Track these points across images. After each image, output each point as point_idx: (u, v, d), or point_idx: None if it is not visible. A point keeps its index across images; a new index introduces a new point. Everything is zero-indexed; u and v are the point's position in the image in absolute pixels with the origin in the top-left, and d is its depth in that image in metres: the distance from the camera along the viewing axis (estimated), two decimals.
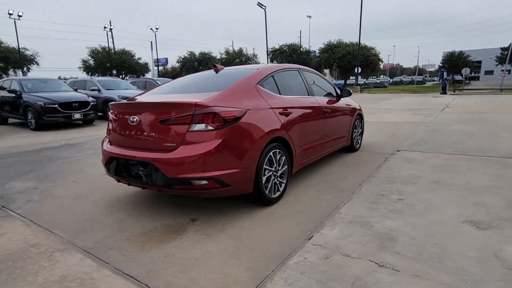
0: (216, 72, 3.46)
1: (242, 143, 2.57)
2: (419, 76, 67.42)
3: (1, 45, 36.95)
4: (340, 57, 39.50)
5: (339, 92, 4.66)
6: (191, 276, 1.91)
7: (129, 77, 49.00)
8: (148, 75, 58.49)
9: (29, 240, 2.46)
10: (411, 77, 67.33)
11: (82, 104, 9.30)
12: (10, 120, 10.70)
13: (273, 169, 2.96)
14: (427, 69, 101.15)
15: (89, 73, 47.77)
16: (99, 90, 11.29)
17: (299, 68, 3.92)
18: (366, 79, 73.20)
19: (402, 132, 7.05)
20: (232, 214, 2.82)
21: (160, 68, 60.84)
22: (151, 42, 53.09)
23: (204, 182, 2.40)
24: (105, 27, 46.65)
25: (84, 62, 47.43)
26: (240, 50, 50.49)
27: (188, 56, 50.67)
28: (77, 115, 9.17)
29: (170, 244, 2.32)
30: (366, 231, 2.41)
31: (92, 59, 47.23)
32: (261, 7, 38.50)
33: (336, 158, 4.76)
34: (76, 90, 10.87)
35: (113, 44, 50.98)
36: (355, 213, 2.75)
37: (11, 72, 40.48)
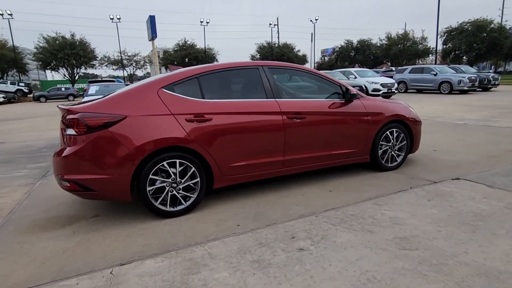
0: None
1: (110, 150, 2.53)
2: None
3: (195, 47, 47.39)
4: None
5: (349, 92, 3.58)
6: None
7: None
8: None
9: (5, 203, 3.36)
10: None
11: None
12: None
13: (170, 180, 2.75)
14: None
15: None
16: None
17: (262, 65, 3.28)
18: None
19: None
20: (127, 218, 2.84)
21: (318, 59, 61.73)
22: (312, 33, 54.51)
23: (67, 183, 2.56)
24: (270, 24, 51.48)
25: (252, 57, 54.18)
26: (406, 34, 44.20)
27: (345, 45, 48.82)
28: None
29: (41, 233, 2.64)
30: (180, 276, 1.93)
31: (259, 54, 53.31)
32: None
33: (341, 175, 3.74)
34: None
35: (278, 39, 55.64)
36: (215, 251, 2.21)
37: None
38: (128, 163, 2.57)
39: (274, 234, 2.43)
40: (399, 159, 3.96)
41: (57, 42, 37.04)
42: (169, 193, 2.77)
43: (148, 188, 2.67)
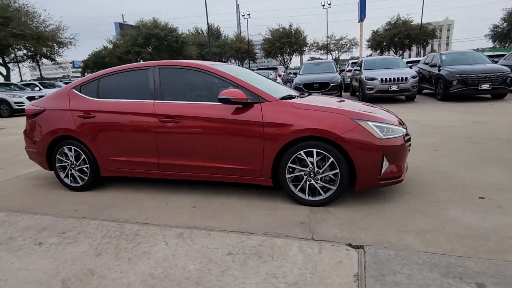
0: None
1: (35, 133, 3.58)
2: None
3: (409, 23, 41.71)
4: None
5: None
6: None
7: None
8: None
9: None
10: None
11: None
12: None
13: (69, 161, 3.49)
14: None
15: (495, 41, 41.36)
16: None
17: (153, 66, 3.18)
18: None
19: None
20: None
21: None
22: None
23: (26, 152, 3.86)
24: None
25: (494, 27, 41.25)
26: None
27: None
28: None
29: (26, 182, 4.06)
30: None
31: (505, 23, 39.77)
32: None
33: (254, 196, 3.08)
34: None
35: None
36: (25, 223, 2.81)
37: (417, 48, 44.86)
38: (43, 143, 3.54)
39: (68, 225, 2.70)
40: (327, 194, 2.72)
41: (277, 33, 43.72)
42: (69, 172, 3.53)
43: (57, 165, 3.56)
